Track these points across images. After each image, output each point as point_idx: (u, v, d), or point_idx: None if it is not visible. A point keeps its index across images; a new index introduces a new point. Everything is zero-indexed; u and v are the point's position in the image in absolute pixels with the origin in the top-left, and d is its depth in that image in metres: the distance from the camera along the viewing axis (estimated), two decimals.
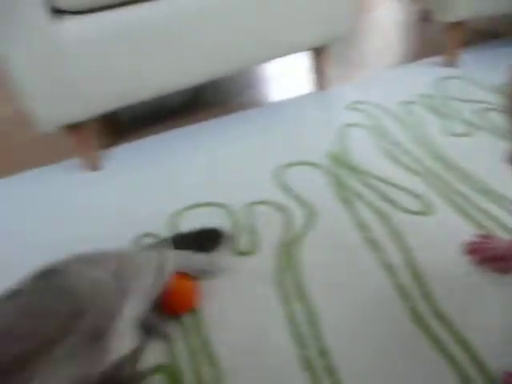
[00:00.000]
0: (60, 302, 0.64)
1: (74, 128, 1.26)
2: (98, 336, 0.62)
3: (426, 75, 1.61)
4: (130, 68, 1.17)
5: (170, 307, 0.84)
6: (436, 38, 1.86)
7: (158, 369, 0.78)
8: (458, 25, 1.54)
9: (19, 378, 0.58)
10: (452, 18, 1.49)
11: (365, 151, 1.25)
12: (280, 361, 0.76)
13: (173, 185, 1.24)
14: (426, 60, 1.72)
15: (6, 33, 1.02)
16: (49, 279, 0.70)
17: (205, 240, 1.00)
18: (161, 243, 0.97)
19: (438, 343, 0.76)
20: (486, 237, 0.92)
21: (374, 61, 1.80)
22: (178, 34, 1.18)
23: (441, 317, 0.80)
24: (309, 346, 0.78)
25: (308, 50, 1.47)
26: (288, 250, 0.97)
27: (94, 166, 1.35)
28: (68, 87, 1.12)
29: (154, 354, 0.81)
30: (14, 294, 0.67)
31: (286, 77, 1.79)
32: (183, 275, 0.87)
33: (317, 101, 1.55)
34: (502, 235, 0.93)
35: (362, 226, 1.01)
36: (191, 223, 1.09)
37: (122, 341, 0.65)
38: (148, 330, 0.76)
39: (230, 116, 1.53)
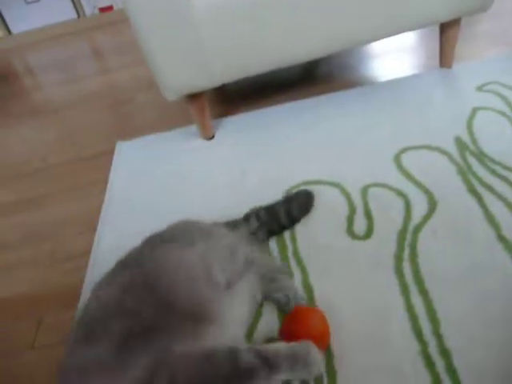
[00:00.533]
0: None
1: (194, 97, 1.29)
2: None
3: None
4: (253, 40, 1.16)
5: None
6: None
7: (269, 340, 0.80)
8: None
9: None
10: None
11: (497, 138, 1.14)
12: (398, 353, 0.74)
13: (283, 159, 1.23)
14: None
15: (137, 3, 1.06)
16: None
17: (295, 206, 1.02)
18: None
19: None
20: None
21: (506, 38, 1.60)
22: (301, 6, 1.14)
23: None
24: (429, 342, 0.74)
25: (437, 23, 1.35)
26: (407, 238, 0.93)
27: (209, 135, 1.39)
28: (195, 57, 1.15)
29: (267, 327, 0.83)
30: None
31: (403, 53, 1.67)
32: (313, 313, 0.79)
33: (442, 79, 1.44)
34: None
35: (491, 222, 0.92)
36: None
37: None
38: None
39: (344, 92, 1.47)
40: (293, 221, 1.01)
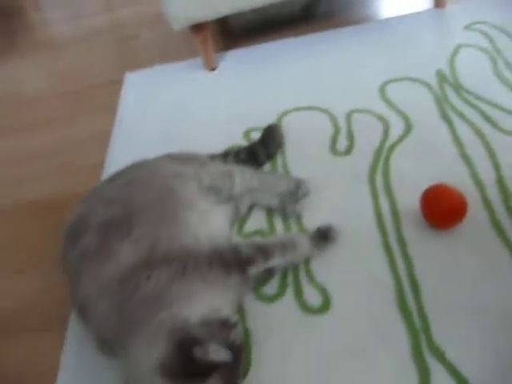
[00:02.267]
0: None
1: (198, 28, 1.38)
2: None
3: None
4: None
5: (442, 221, 0.87)
6: None
7: (256, 232, 0.96)
8: None
9: None
10: None
11: (475, 72, 1.24)
12: (364, 240, 0.90)
13: (281, 88, 1.34)
14: None
15: None
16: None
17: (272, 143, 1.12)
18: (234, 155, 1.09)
19: None
20: None
21: None
22: None
23: None
24: (389, 233, 0.89)
25: None
26: (382, 155, 1.06)
27: (211, 66, 1.49)
28: None
29: (254, 223, 0.98)
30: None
31: None
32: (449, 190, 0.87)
33: (434, 19, 1.51)
34: None
35: (457, 142, 1.05)
36: (295, 123, 1.21)
37: None
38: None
39: (341, 30, 1.54)
40: (270, 157, 1.11)
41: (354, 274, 0.85)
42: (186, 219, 0.85)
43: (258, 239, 0.93)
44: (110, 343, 0.75)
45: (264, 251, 0.81)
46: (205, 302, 0.74)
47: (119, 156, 1.26)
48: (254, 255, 0.80)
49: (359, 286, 0.83)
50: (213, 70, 1.50)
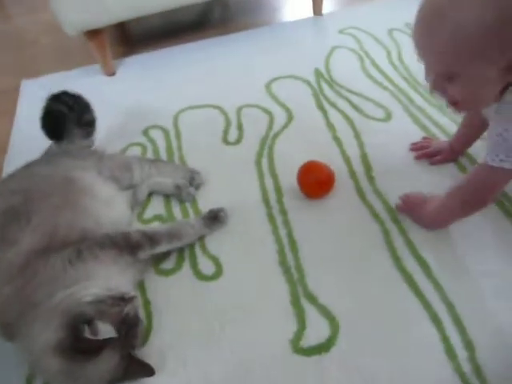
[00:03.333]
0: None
1: (94, 34, 1.44)
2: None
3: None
4: None
5: (314, 191, 1.01)
6: None
7: (155, 217, 1.04)
8: None
9: None
10: None
11: (346, 70, 1.43)
12: (251, 215, 1.01)
13: (178, 89, 1.44)
14: None
15: None
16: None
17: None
18: None
19: (372, 208, 0.99)
20: (428, 139, 1.12)
21: None
22: None
23: (378, 193, 1.02)
24: (273, 207, 1.02)
25: None
26: (267, 142, 1.19)
27: (110, 72, 1.55)
28: None
29: (153, 209, 1.06)
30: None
31: (285, 3, 1.92)
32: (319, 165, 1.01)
33: (313, 24, 1.71)
34: (443, 138, 1.13)
35: (330, 128, 1.21)
36: (190, 120, 1.31)
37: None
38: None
39: (235, 34, 1.68)
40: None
41: (243, 243, 0.96)
42: (87, 205, 0.90)
43: (147, 228, 0.98)
44: (13, 327, 0.78)
45: (151, 239, 0.88)
46: (101, 281, 0.79)
47: (18, 161, 1.27)
48: (142, 241, 0.87)
49: (247, 253, 0.94)
50: (112, 75, 1.56)
